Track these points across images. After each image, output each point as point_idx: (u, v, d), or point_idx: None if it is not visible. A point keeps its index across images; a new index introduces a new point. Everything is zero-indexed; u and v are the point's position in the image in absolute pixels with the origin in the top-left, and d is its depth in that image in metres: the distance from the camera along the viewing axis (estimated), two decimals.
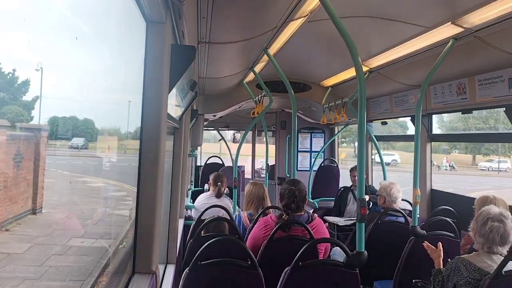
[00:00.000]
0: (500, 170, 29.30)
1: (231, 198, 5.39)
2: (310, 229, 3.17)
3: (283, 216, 3.29)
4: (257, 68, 5.18)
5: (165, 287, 3.02)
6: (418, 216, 3.81)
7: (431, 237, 3.49)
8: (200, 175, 8.68)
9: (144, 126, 1.89)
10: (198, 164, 9.86)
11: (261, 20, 3.24)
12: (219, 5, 2.53)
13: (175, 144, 3.86)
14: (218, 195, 5.09)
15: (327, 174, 7.81)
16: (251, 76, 5.80)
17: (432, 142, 5.17)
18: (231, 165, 6.95)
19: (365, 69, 4.94)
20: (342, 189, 6.43)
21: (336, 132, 8.41)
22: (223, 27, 3.13)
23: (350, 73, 5.48)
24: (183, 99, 3.47)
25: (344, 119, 6.15)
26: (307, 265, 2.64)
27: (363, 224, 2.65)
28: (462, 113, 4.46)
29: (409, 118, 5.30)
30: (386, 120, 6.26)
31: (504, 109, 3.76)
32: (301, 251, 2.64)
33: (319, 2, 2.53)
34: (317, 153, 8.25)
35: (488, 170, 29.96)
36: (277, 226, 3.17)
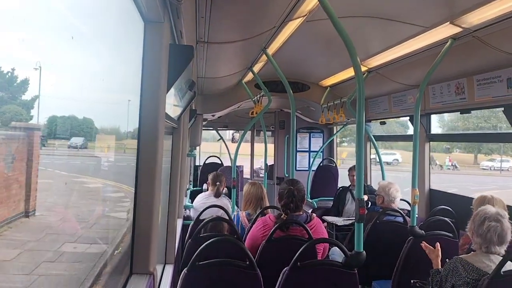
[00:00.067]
0: (502, 170, 29.14)
1: (230, 198, 5.39)
2: (309, 229, 3.17)
3: (282, 216, 3.29)
4: (256, 68, 5.17)
5: (164, 287, 3.02)
6: (416, 216, 3.81)
7: (429, 237, 3.50)
8: (199, 175, 8.68)
9: (142, 126, 1.88)
10: (197, 163, 9.86)
11: (260, 20, 3.24)
12: (218, 5, 2.53)
13: (174, 144, 3.85)
14: (217, 194, 5.10)
15: (325, 174, 7.82)
16: (250, 76, 5.79)
17: (431, 142, 5.18)
18: (230, 165, 6.95)
19: (363, 69, 4.94)
20: (340, 189, 6.43)
21: (334, 132, 8.41)
22: (221, 27, 3.13)
23: (349, 73, 5.48)
24: (181, 99, 3.46)
25: (343, 119, 6.15)
26: (306, 265, 2.64)
27: (362, 224, 2.65)
28: (460, 113, 4.46)
29: (408, 118, 5.31)
30: (384, 120, 6.26)
31: (502, 109, 3.77)
32: (299, 251, 2.64)
33: (318, 2, 2.53)
34: (315, 153, 8.25)
35: (490, 169, 29.71)
36: (275, 226, 3.16)
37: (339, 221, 5.53)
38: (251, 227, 3.58)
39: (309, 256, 2.80)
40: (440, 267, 2.95)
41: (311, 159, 8.47)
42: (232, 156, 5.85)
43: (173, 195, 3.78)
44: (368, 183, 6.71)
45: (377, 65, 4.75)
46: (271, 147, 9.30)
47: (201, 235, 3.35)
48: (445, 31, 3.36)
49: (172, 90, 2.57)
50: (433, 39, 3.59)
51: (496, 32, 3.14)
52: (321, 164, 8.11)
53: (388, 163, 27.69)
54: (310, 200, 7.32)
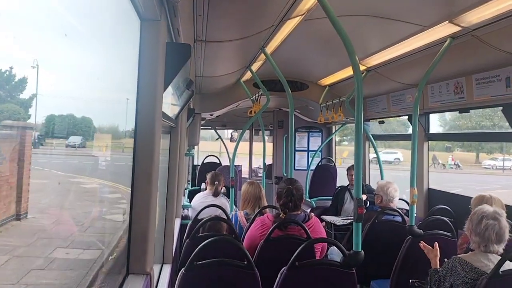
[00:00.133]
0: (504, 169, 28.95)
1: (228, 198, 5.38)
2: (307, 228, 3.16)
3: (281, 215, 3.28)
4: (254, 67, 5.16)
5: (161, 287, 3.01)
6: (415, 215, 3.80)
7: (428, 236, 3.49)
8: (197, 174, 8.67)
9: (138, 125, 1.87)
10: (195, 163, 9.85)
11: (258, 18, 3.22)
12: (215, 3, 2.52)
13: (171, 143, 3.84)
14: (215, 194, 5.10)
15: (324, 173, 7.81)
16: (248, 75, 5.78)
17: (431, 141, 5.17)
18: (228, 164, 6.94)
19: (362, 68, 4.93)
20: (339, 188, 6.43)
21: (333, 131, 8.41)
22: (219, 25, 3.11)
23: (348, 72, 5.47)
24: (179, 98, 3.45)
25: (342, 118, 6.14)
26: (304, 265, 2.63)
27: (360, 223, 2.64)
28: (459, 112, 4.45)
29: (407, 117, 5.30)
30: (383, 119, 6.26)
31: (501, 108, 3.76)
32: (297, 251, 2.63)
33: (316, 1, 2.51)
34: (314, 152, 8.24)
35: (492, 168, 29.54)
36: (274, 225, 3.15)
37: (337, 220, 5.53)
38: (249, 226, 3.58)
39: (307, 256, 2.79)
40: (438, 266, 2.94)
41: (310, 159, 8.46)
42: (231, 156, 5.84)
43: (171, 194, 3.77)
44: (367, 182, 6.70)
45: (375, 64, 4.74)
46: (269, 146, 9.30)
47: (199, 234, 3.34)
48: (444, 30, 3.35)
49: (169, 89, 2.55)
50: (432, 38, 3.58)
51: (495, 31, 3.13)
52: (319, 164, 8.11)
53: (389, 162, 27.62)
54: (309, 200, 7.31)
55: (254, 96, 5.84)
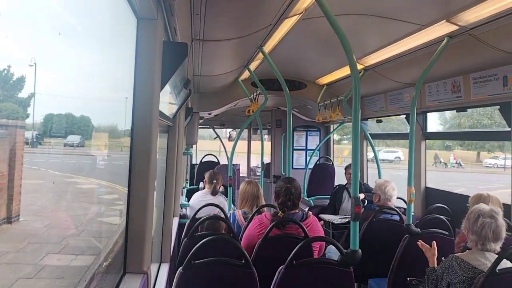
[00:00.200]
0: (506, 167, 28.71)
1: (226, 196, 5.39)
2: (305, 227, 3.16)
3: (279, 214, 3.28)
4: (252, 66, 5.16)
5: (159, 286, 3.00)
6: (412, 214, 3.81)
7: (425, 235, 3.50)
8: (196, 173, 8.67)
9: (135, 124, 1.86)
10: (194, 162, 9.85)
11: (256, 17, 3.22)
12: (213, 2, 2.51)
13: (169, 142, 3.83)
14: (214, 192, 5.11)
15: (322, 172, 7.82)
16: (246, 74, 5.78)
17: (430, 140, 5.18)
18: (227, 163, 6.95)
19: (360, 67, 4.94)
20: (337, 187, 6.43)
21: (331, 130, 8.42)
22: (217, 24, 3.11)
23: (345, 71, 5.48)
24: (177, 97, 3.45)
25: (340, 117, 6.15)
26: (301, 263, 2.63)
27: (358, 222, 2.64)
28: (456, 111, 4.46)
29: (404, 116, 5.31)
30: (381, 118, 6.26)
31: (498, 107, 3.77)
32: (295, 249, 2.63)
33: (314, 0, 2.51)
34: (312, 151, 8.25)
35: (493, 167, 29.33)
36: (272, 224, 3.16)
37: (335, 219, 5.53)
38: (247, 225, 3.58)
39: (305, 254, 2.80)
40: (436, 265, 2.95)
41: (308, 157, 8.47)
42: (229, 155, 5.84)
43: (169, 193, 3.77)
44: (365, 181, 6.71)
45: (373, 63, 4.74)
46: (268, 145, 9.30)
47: (197, 233, 3.34)
48: (441, 29, 3.36)
49: (167, 88, 2.55)
50: (429, 37, 3.59)
51: (492, 30, 3.14)
52: (317, 163, 8.11)
53: (390, 161, 27.55)
54: (307, 198, 7.32)
55: (252, 95, 5.84)
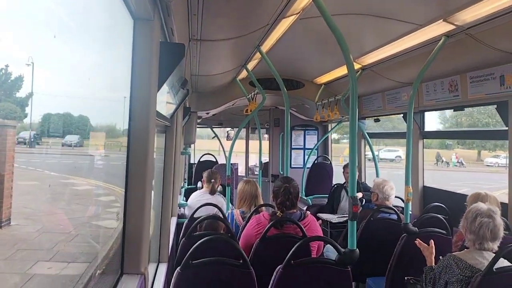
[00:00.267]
0: (508, 166, 28.31)
1: (225, 196, 5.39)
2: (303, 227, 3.16)
3: (278, 214, 3.28)
4: (250, 66, 5.16)
5: (157, 286, 3.01)
6: (410, 213, 3.82)
7: (423, 234, 3.50)
8: (194, 173, 8.66)
9: (132, 125, 1.86)
10: (192, 161, 9.84)
11: (253, 17, 3.22)
12: (210, 2, 2.51)
13: (167, 142, 3.83)
14: (212, 192, 5.11)
15: (320, 171, 7.83)
16: (244, 74, 5.78)
17: (430, 139, 5.19)
18: (225, 162, 6.95)
19: (357, 66, 4.94)
20: (335, 186, 6.44)
21: (329, 129, 8.42)
22: (214, 24, 3.11)
23: (343, 70, 5.48)
24: (174, 97, 3.45)
25: (337, 116, 6.15)
26: (299, 263, 2.64)
27: (355, 222, 2.65)
28: (454, 110, 4.47)
29: (402, 115, 5.31)
30: (379, 117, 6.27)
31: (495, 106, 3.78)
32: (293, 249, 2.64)
33: (311, 0, 2.52)
34: (310, 150, 8.26)
35: (495, 166, 29.14)
36: (270, 224, 3.16)
37: (333, 218, 5.54)
38: (245, 225, 3.58)
39: (303, 254, 2.80)
40: (434, 264, 2.96)
41: (306, 157, 8.48)
42: (227, 154, 5.84)
43: (167, 193, 3.77)
44: (363, 180, 6.72)
45: (371, 62, 4.75)
46: (266, 144, 9.30)
47: (196, 233, 3.34)
48: (439, 28, 3.36)
49: (165, 88, 2.55)
50: (426, 36, 3.59)
51: (489, 30, 3.14)
52: (315, 162, 8.12)
53: (391, 160, 27.50)
54: (305, 198, 7.33)
55: (250, 95, 5.84)
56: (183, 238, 3.37)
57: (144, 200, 1.87)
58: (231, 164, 5.68)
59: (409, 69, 4.53)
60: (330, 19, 2.48)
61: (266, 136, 9.79)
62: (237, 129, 5.91)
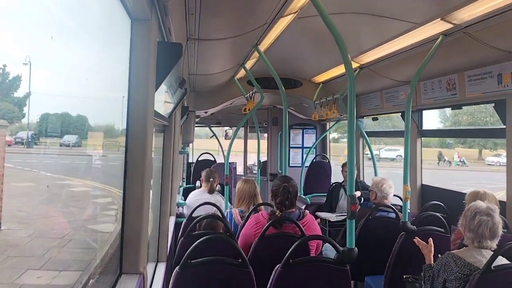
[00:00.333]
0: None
1: (223, 195, 5.39)
2: (302, 226, 3.17)
3: (277, 213, 3.28)
4: (248, 65, 5.16)
5: (156, 286, 3.00)
6: (408, 211, 3.82)
7: (421, 232, 3.51)
8: (192, 172, 8.66)
9: (130, 125, 1.86)
10: (190, 161, 9.84)
11: (251, 17, 3.22)
12: (208, 2, 2.51)
13: (165, 141, 3.83)
14: (211, 190, 5.11)
15: (319, 170, 7.84)
16: (242, 73, 5.77)
17: (431, 138, 5.20)
18: (223, 161, 6.95)
19: (355, 65, 4.95)
20: (334, 185, 6.45)
21: (327, 128, 8.43)
22: (212, 24, 3.11)
23: (341, 69, 5.48)
24: (172, 97, 3.45)
25: (336, 115, 6.16)
26: (298, 262, 2.64)
27: (353, 220, 2.65)
28: (452, 109, 4.48)
29: (400, 114, 5.32)
30: (377, 116, 6.28)
31: (493, 104, 3.79)
32: (292, 248, 2.64)
33: None
34: (309, 149, 8.26)
35: (496, 165, 29.01)
36: (269, 223, 3.16)
37: (332, 217, 5.55)
38: (243, 224, 3.58)
39: (302, 253, 2.80)
40: (432, 262, 2.96)
41: (304, 155, 8.48)
42: (225, 153, 5.84)
43: (165, 192, 3.77)
44: (361, 179, 6.73)
45: (369, 61, 4.75)
46: (264, 143, 9.31)
47: (195, 232, 3.34)
48: (436, 27, 3.37)
49: (162, 88, 2.55)
50: (424, 35, 3.60)
51: (486, 29, 3.15)
52: (314, 160, 8.12)
53: (391, 159, 27.48)
54: (304, 196, 7.34)
55: (248, 94, 5.84)
56: (182, 238, 3.37)
57: (142, 200, 1.87)
58: (230, 163, 5.68)
59: (407, 67, 4.54)
60: (328, 18, 2.49)
61: (264, 135, 9.80)
62: (236, 128, 5.91)
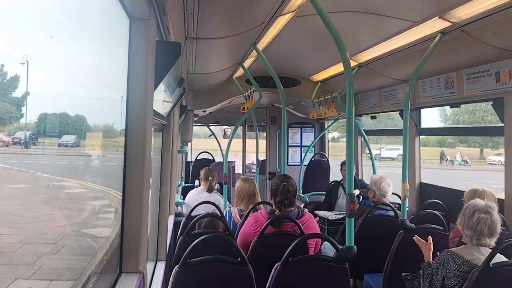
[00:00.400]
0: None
1: (222, 194, 5.39)
2: (301, 224, 3.17)
3: (276, 212, 3.28)
4: (246, 64, 5.16)
5: (155, 285, 3.00)
6: (407, 209, 3.83)
7: (420, 230, 3.52)
8: (191, 171, 8.66)
9: (129, 124, 1.86)
10: (189, 160, 9.84)
11: (249, 15, 3.22)
12: (206, 1, 2.51)
13: (164, 140, 3.83)
14: (210, 189, 5.11)
15: (317, 168, 7.84)
16: (240, 72, 5.77)
17: (431, 137, 5.20)
18: (222, 160, 6.95)
19: (354, 64, 4.95)
20: (332, 183, 6.46)
21: (326, 126, 8.43)
22: (210, 23, 3.10)
23: (339, 68, 5.49)
24: (171, 96, 3.44)
25: (334, 113, 6.16)
26: (297, 260, 2.64)
27: (352, 219, 2.66)
28: (450, 107, 4.49)
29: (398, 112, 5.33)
30: (375, 114, 6.29)
31: (491, 102, 3.80)
32: (291, 246, 2.64)
33: None
34: (307, 148, 8.27)
35: (498, 164, 29.03)
36: (268, 222, 3.16)
37: (331, 215, 5.56)
38: (243, 223, 3.58)
39: (301, 252, 2.81)
40: (431, 260, 2.97)
41: (303, 154, 8.49)
42: (224, 152, 5.85)
43: (164, 192, 3.76)
44: (360, 177, 6.74)
45: (367, 60, 4.76)
46: (263, 142, 9.31)
47: (194, 231, 3.34)
48: (434, 25, 3.37)
49: (161, 87, 2.55)
50: (422, 33, 3.60)
51: (484, 27, 3.16)
52: (312, 159, 8.13)
53: (392, 159, 27.52)
54: (302, 195, 7.34)
55: (246, 93, 5.83)
56: (181, 237, 3.37)
57: (141, 199, 1.87)
58: (228, 162, 5.68)
59: (405, 66, 4.54)
60: (326, 16, 2.49)
61: (263, 134, 9.80)
62: (234, 127, 5.91)
